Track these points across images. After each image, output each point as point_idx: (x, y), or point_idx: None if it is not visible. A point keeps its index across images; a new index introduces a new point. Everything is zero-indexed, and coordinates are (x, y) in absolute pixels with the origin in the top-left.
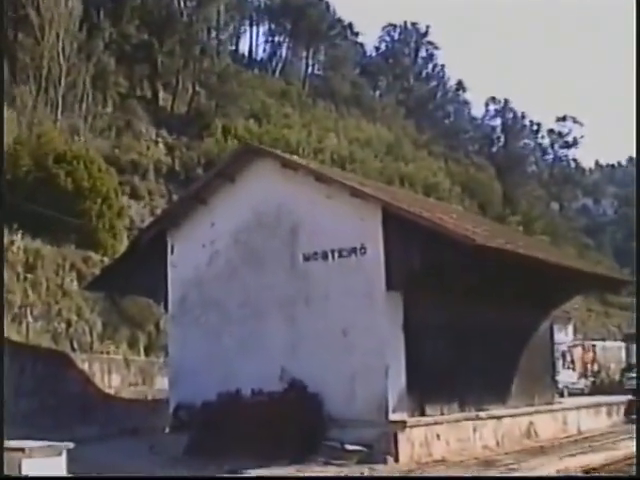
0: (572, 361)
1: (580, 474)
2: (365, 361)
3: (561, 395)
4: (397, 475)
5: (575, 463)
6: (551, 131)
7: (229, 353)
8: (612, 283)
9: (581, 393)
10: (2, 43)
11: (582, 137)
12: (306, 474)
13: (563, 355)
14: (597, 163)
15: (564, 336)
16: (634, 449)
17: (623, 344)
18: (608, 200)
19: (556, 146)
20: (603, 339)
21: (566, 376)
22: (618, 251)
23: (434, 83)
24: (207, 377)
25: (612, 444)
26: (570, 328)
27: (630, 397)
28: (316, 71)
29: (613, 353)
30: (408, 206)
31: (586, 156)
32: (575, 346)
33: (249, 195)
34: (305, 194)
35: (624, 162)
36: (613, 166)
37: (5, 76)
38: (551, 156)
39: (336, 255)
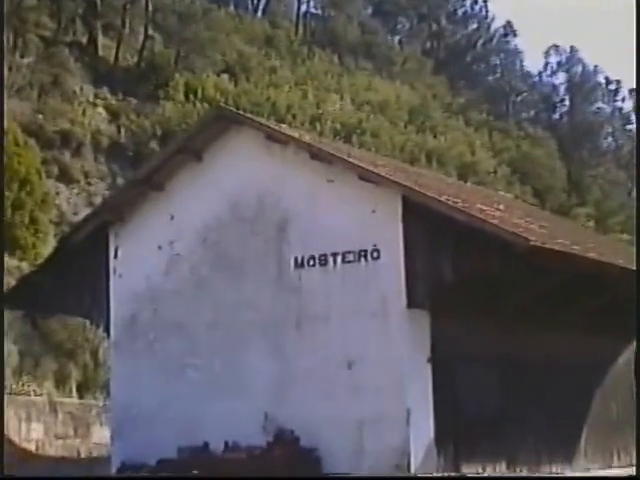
0: None
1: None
2: (378, 405)
3: None
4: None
5: None
6: (635, 91)
7: (194, 393)
8: None
9: None
10: (2, 43)
11: None
12: None
13: None
14: None
15: None
16: None
17: None
18: None
19: None
20: None
21: None
22: None
23: (474, 26)
24: (164, 426)
25: None
26: None
27: None
28: (313, 9)
29: None
30: (437, 193)
31: None
32: None
33: (221, 178)
34: (297, 177)
35: None
36: None
37: None
38: (634, 125)
39: (339, 260)
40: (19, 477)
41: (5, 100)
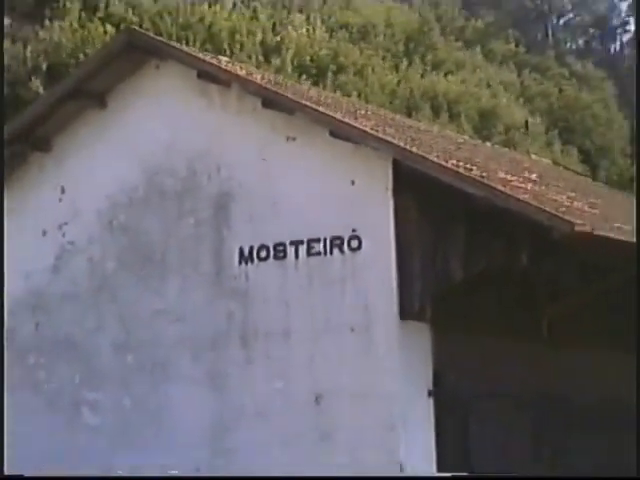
0: None
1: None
2: (358, 457)
3: None
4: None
5: None
6: None
7: (94, 443)
8: None
9: None
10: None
11: None
12: None
13: None
14: None
15: None
16: None
17: None
18: None
19: None
20: None
21: None
22: None
23: None
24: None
25: None
26: None
27: None
28: None
29: None
30: (444, 157)
31: None
32: None
33: (134, 135)
34: (244, 134)
35: None
36: None
37: None
38: None
39: (302, 252)
40: (19, 477)
41: None
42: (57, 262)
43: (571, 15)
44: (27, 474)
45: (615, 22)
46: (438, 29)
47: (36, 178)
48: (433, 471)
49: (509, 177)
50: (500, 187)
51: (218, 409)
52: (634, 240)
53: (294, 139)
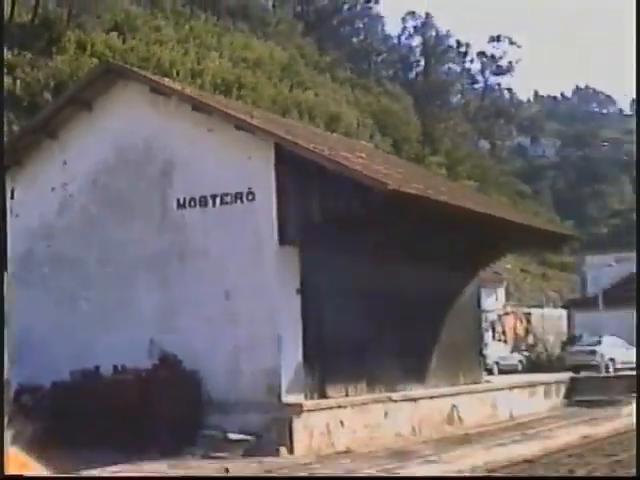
0: (503, 332)
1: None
2: (253, 331)
3: (490, 373)
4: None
5: (505, 454)
6: (482, 54)
7: (86, 322)
8: (552, 239)
9: (514, 370)
10: (2, 45)
11: (519, 62)
12: (180, 471)
13: (493, 325)
14: (536, 94)
15: (494, 302)
16: (577, 437)
17: (564, 312)
18: (549, 139)
19: (487, 72)
20: (540, 306)
21: (496, 350)
22: (559, 200)
23: None
24: (58, 352)
25: (550, 431)
26: (501, 293)
27: (572, 375)
28: None
29: (552, 323)
30: (306, 142)
31: (523, 85)
32: (507, 314)
33: (110, 127)
34: (180, 126)
35: (569, 94)
36: (555, 98)
37: None
38: (481, 84)
39: (218, 202)
40: (19, 477)
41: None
42: (61, 207)
43: (385, 55)
44: (39, 345)
45: (412, 59)
46: (302, 62)
47: (48, 155)
48: (299, 336)
49: (347, 155)
50: (342, 161)
51: (165, 302)
52: (426, 195)
53: (212, 130)
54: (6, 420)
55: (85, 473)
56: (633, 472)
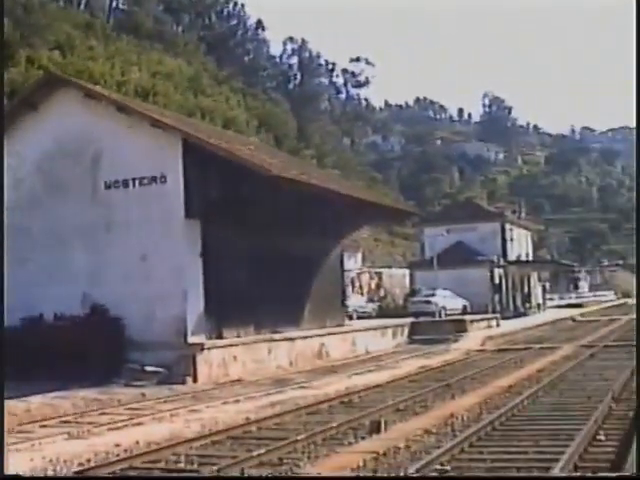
0: (360, 287)
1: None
2: (164, 286)
3: (350, 318)
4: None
5: (362, 381)
6: (345, 71)
7: (33, 279)
8: (398, 214)
9: (369, 316)
10: (2, 43)
11: (373, 77)
12: (107, 395)
13: (352, 281)
14: (386, 102)
15: (353, 263)
16: (416, 367)
17: (407, 271)
18: (396, 137)
19: (349, 85)
20: (389, 266)
21: (355, 300)
22: (404, 185)
23: (235, 21)
24: (11, 303)
25: (396, 363)
26: (359, 256)
27: (413, 319)
28: (121, 5)
29: (398, 280)
30: (207, 137)
31: (376, 95)
32: (363, 273)
33: (52, 124)
34: (107, 124)
35: (411, 103)
36: (401, 106)
37: None
38: (344, 94)
39: (137, 183)
40: (19, 476)
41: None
42: (12, 187)
43: (269, 70)
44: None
45: (290, 74)
46: (205, 75)
47: (7, 145)
48: (201, 290)
49: (240, 147)
50: (235, 152)
51: (95, 263)
52: (301, 179)
53: (132, 127)
54: None
55: (31, 398)
56: (454, 380)
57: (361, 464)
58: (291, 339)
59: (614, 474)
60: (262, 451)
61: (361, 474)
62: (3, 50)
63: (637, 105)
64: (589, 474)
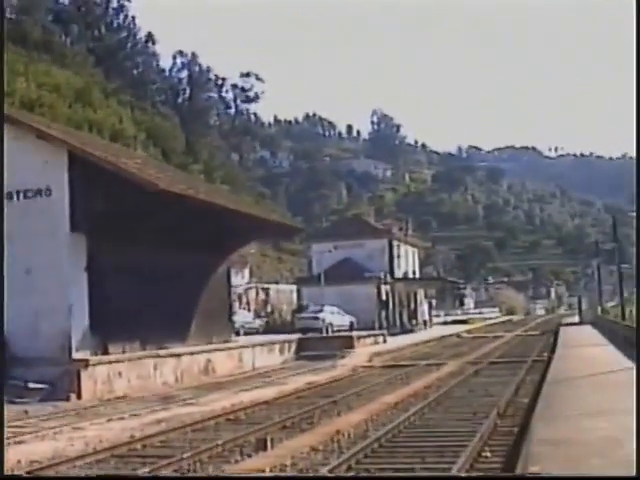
0: (248, 302)
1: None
2: (48, 301)
3: (237, 334)
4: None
5: (249, 397)
6: (234, 86)
7: None
8: (285, 230)
9: (256, 332)
10: (2, 43)
11: (263, 93)
12: None
13: (239, 297)
14: (276, 118)
15: (241, 279)
16: (303, 383)
17: (295, 287)
18: (284, 153)
19: (238, 100)
20: (276, 282)
21: (242, 316)
22: (291, 201)
23: (124, 34)
24: None
25: (283, 379)
26: (246, 272)
27: (300, 336)
28: (8, 15)
29: (285, 296)
30: (94, 150)
31: (266, 111)
32: (251, 288)
33: None
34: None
35: (300, 119)
36: (290, 122)
37: None
38: (233, 109)
39: (21, 196)
40: (19, 476)
41: None
42: None
43: (159, 84)
44: None
45: (179, 88)
46: (93, 87)
47: None
48: (86, 305)
49: (127, 161)
50: (122, 165)
51: None
52: (188, 193)
53: (17, 139)
54: None
55: None
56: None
57: None
58: (177, 355)
59: (614, 474)
60: (146, 470)
61: None
62: (3, 50)
63: (637, 110)
64: (588, 474)
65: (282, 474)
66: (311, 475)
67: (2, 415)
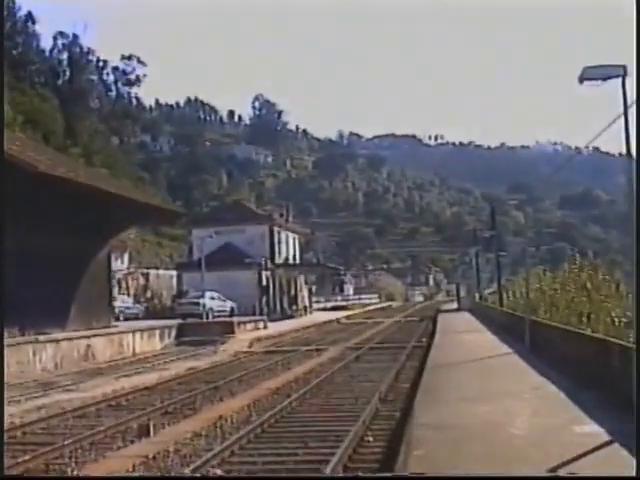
0: (127, 288)
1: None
2: None
3: (118, 319)
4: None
5: (130, 383)
6: (116, 69)
7: None
8: (166, 215)
9: (136, 317)
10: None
11: (145, 76)
12: None
13: (119, 282)
14: (157, 102)
15: (120, 264)
16: (184, 369)
17: (175, 273)
18: (165, 137)
19: (119, 83)
20: (156, 268)
21: (122, 302)
22: (172, 186)
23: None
24: None
25: (164, 365)
26: (126, 257)
27: (181, 321)
28: None
29: (165, 281)
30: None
31: (147, 94)
32: (130, 274)
33: None
34: None
35: (182, 103)
36: (172, 106)
37: None
38: (114, 93)
39: None
40: (19, 476)
41: None
42: None
43: (39, 65)
44: None
45: (60, 70)
46: None
47: None
48: None
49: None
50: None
51: None
52: (68, 176)
53: None
54: None
55: None
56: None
57: (130, 468)
58: (56, 341)
59: (614, 475)
60: (27, 457)
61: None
62: (3, 51)
63: (637, 109)
64: (587, 474)
65: (274, 474)
66: (311, 475)
67: (2, 415)
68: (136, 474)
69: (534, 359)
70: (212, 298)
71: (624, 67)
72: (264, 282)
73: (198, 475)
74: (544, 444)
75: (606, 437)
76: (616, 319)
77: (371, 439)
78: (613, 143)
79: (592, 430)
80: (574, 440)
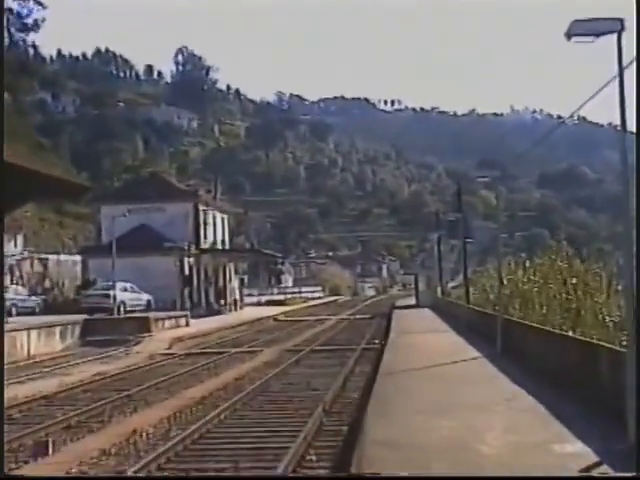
0: (21, 276)
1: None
2: None
3: (9, 315)
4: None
5: (24, 391)
6: (9, 10)
7: None
8: (69, 189)
9: (32, 312)
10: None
11: (44, 21)
12: None
13: (11, 269)
14: (59, 52)
15: (13, 248)
16: (90, 375)
17: (79, 258)
18: (69, 96)
19: (13, 29)
20: (57, 252)
21: (14, 293)
22: (77, 154)
23: None
24: None
25: (66, 369)
26: (20, 239)
27: (87, 317)
28: None
29: (68, 268)
30: None
31: (48, 43)
32: (25, 259)
33: None
34: None
35: (90, 55)
36: (77, 58)
37: None
38: (7, 39)
39: None
40: (19, 476)
41: None
42: None
43: None
44: None
45: None
46: None
47: None
48: None
49: None
50: None
51: None
52: None
53: None
54: None
55: None
56: (136, 390)
57: None
58: None
59: (614, 475)
60: None
61: None
62: (3, 52)
63: (637, 105)
64: (587, 474)
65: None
66: (311, 475)
67: (2, 415)
68: None
69: (507, 365)
70: (124, 289)
71: (621, 20)
72: (187, 271)
73: (198, 475)
74: (519, 466)
75: (594, 457)
76: (607, 318)
77: (314, 458)
78: (602, 112)
79: (576, 450)
80: (555, 462)
